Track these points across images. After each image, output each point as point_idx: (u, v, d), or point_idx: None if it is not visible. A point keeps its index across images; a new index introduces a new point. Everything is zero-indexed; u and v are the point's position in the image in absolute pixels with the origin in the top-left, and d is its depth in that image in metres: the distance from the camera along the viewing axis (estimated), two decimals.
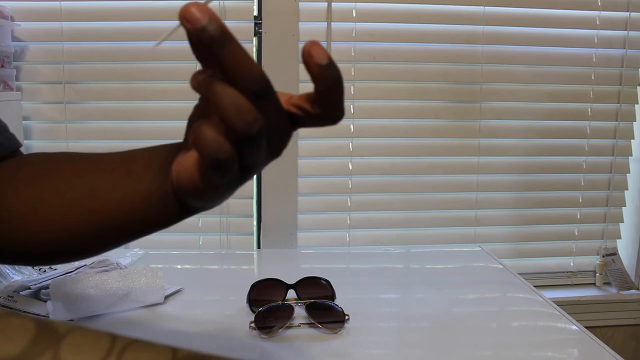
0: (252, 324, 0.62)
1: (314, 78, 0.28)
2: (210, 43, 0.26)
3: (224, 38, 0.26)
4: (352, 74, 1.10)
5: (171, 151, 0.34)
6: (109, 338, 0.19)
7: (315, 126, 0.31)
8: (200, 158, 0.29)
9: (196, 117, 0.32)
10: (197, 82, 0.27)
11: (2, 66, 0.96)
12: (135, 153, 0.36)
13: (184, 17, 0.25)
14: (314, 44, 0.28)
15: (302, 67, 1.08)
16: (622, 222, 1.25)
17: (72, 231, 0.36)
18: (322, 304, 0.66)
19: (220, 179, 0.29)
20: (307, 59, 0.28)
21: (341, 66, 0.29)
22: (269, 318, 0.63)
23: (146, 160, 0.35)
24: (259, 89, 0.27)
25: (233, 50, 0.26)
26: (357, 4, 1.08)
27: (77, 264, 0.76)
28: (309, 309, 0.65)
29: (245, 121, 0.27)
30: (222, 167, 0.28)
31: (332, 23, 1.08)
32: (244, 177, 0.31)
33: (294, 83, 1.08)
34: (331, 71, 0.28)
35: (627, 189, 1.23)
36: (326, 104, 0.30)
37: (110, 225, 0.35)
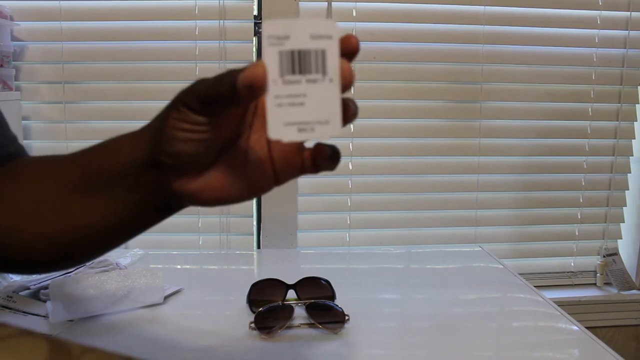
0: (252, 324, 0.62)
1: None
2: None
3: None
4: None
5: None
6: None
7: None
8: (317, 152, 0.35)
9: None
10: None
11: (2, 66, 0.95)
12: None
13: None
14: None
15: None
16: (623, 222, 1.25)
17: (67, 243, 0.39)
18: (322, 304, 0.66)
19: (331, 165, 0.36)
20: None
21: None
22: (269, 318, 0.63)
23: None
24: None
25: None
26: (357, 3, 1.08)
27: None
28: (309, 309, 0.65)
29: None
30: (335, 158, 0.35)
31: None
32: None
33: None
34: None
35: (627, 189, 1.23)
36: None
37: (110, 235, 0.39)
